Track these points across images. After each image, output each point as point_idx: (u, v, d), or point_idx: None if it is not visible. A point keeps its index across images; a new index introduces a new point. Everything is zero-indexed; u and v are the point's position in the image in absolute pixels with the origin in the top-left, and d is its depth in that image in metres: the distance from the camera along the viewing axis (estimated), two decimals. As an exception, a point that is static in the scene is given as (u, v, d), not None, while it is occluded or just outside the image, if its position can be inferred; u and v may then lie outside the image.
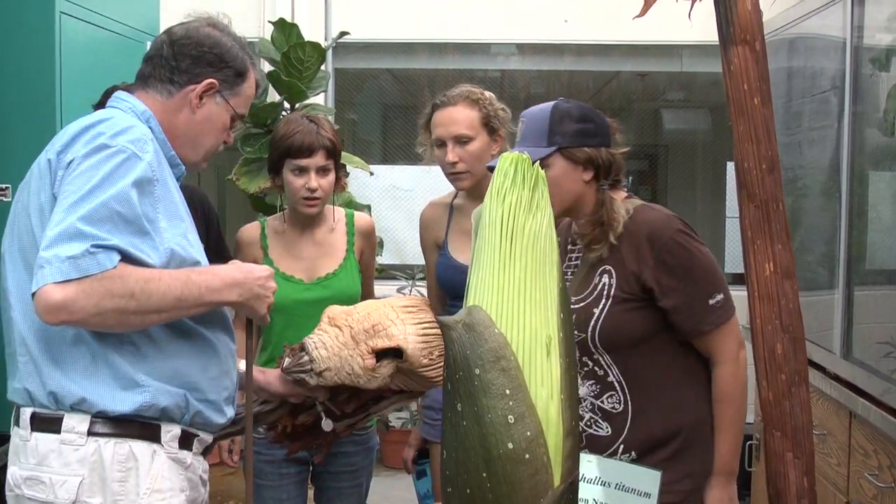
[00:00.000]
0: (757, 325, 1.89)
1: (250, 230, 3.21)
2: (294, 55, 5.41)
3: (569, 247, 2.66)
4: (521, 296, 2.03)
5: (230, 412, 2.26)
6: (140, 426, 2.08)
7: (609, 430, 2.49)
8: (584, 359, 2.51)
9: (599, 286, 2.49)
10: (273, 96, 5.72)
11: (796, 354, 1.88)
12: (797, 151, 4.53)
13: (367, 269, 3.25)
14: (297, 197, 3.04)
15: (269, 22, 5.76)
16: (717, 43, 1.95)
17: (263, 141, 5.42)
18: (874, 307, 3.69)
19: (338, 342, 2.34)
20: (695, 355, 2.51)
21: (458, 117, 3.02)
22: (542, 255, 2.08)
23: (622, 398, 2.48)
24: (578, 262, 2.60)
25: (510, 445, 1.95)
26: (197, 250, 2.18)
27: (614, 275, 2.47)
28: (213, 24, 2.32)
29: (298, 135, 3.01)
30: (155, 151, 2.11)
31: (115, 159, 2.00)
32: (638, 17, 2.33)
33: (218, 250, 3.38)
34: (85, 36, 3.91)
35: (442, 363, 2.43)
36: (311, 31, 6.10)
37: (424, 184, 6.59)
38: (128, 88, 2.29)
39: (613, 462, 2.45)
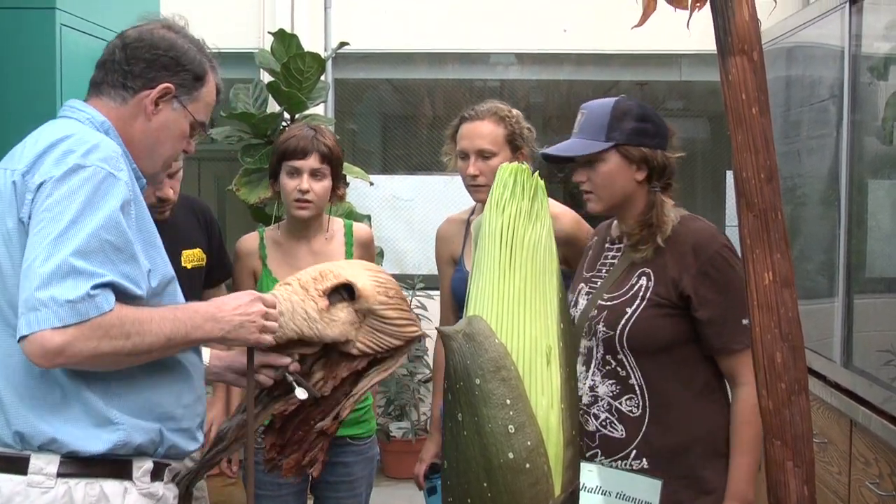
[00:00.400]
0: (756, 333, 1.89)
1: (249, 240, 3.23)
2: (294, 66, 5.42)
3: (606, 245, 2.66)
4: (521, 305, 2.04)
5: (201, 437, 2.20)
6: (112, 464, 1.98)
7: (623, 432, 2.46)
8: (607, 357, 2.49)
9: (636, 287, 2.48)
10: (273, 107, 5.74)
11: (796, 363, 1.87)
12: (796, 160, 4.54)
13: (366, 281, 3.26)
14: (290, 199, 3.08)
15: (269, 33, 5.77)
16: (716, 52, 1.95)
17: (263, 151, 5.44)
18: (874, 315, 3.69)
19: (287, 292, 2.27)
20: (715, 373, 2.50)
21: (484, 132, 3.06)
22: (541, 265, 2.09)
23: (641, 403, 2.45)
24: (615, 260, 2.59)
25: (511, 455, 1.95)
26: (168, 265, 2.11)
27: (653, 278, 2.47)
28: (168, 26, 2.19)
29: (295, 138, 3.08)
30: (127, 168, 2.01)
31: (92, 181, 1.90)
32: (636, 26, 2.33)
33: (220, 261, 3.39)
34: (86, 48, 3.91)
35: (404, 305, 2.38)
36: (311, 42, 6.11)
37: (424, 194, 6.61)
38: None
39: (614, 471, 2.44)
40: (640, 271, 2.49)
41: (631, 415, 2.46)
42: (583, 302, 2.58)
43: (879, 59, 3.66)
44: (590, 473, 2.42)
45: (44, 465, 1.94)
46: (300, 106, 5.55)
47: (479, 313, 2.05)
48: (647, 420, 2.45)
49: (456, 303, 3.24)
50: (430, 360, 6.17)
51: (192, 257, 3.20)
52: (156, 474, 2.06)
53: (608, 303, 2.51)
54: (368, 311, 2.32)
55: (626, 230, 2.56)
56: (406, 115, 7.56)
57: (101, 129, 2.08)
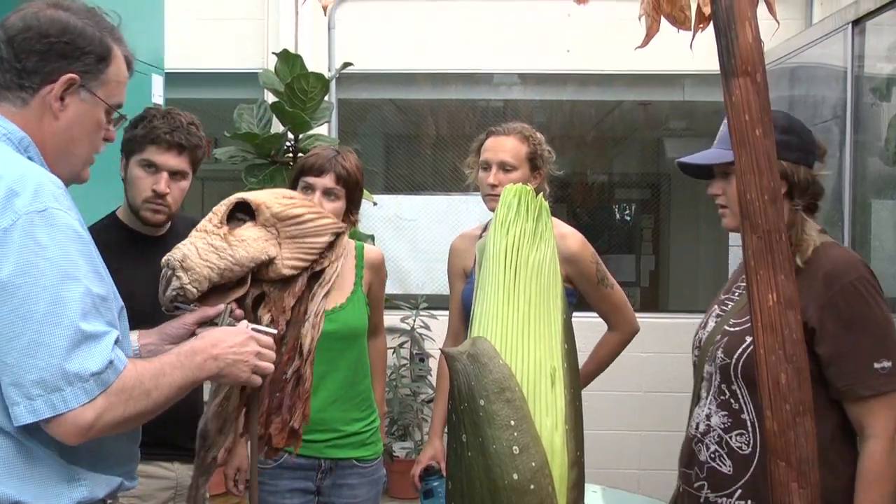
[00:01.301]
0: (760, 355, 1.89)
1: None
2: (297, 86, 5.43)
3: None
4: (525, 327, 2.04)
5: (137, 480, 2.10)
6: None
7: (731, 469, 2.33)
8: (722, 386, 2.36)
9: None
10: (277, 127, 5.75)
11: (800, 384, 1.87)
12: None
13: (376, 302, 3.27)
14: None
15: (273, 53, 5.79)
16: (719, 72, 1.96)
17: (267, 172, 5.44)
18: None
19: (186, 242, 2.18)
20: (845, 422, 2.25)
21: (508, 146, 3.23)
22: (545, 286, 2.09)
23: (752, 440, 2.30)
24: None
25: (515, 476, 1.95)
26: (117, 293, 1.93)
27: None
28: (55, 4, 1.91)
29: (315, 156, 3.10)
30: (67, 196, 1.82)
31: (56, 228, 1.73)
32: (640, 47, 2.34)
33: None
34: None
35: (308, 203, 2.33)
36: (315, 62, 6.14)
37: (427, 214, 6.62)
38: None
39: (617, 492, 2.44)
40: None
41: (740, 451, 2.32)
42: (712, 324, 2.46)
43: (882, 80, 3.68)
44: (594, 494, 2.41)
45: None
46: (304, 126, 5.56)
47: (483, 334, 2.05)
48: (756, 460, 2.28)
49: (465, 315, 3.27)
50: (433, 379, 6.16)
51: (196, 278, 3.19)
52: None
53: (732, 328, 2.37)
54: (276, 219, 2.27)
55: None
56: (409, 135, 7.58)
57: (20, 146, 1.86)
